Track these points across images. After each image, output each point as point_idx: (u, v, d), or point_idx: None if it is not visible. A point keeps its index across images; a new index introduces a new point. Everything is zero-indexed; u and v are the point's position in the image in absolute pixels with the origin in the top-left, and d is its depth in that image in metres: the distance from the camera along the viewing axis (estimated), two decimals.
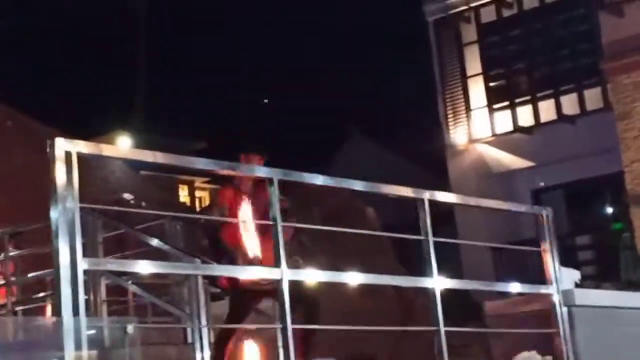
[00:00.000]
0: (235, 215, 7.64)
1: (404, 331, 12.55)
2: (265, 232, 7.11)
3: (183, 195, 35.77)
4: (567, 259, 8.45)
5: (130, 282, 9.33)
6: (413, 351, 8.45)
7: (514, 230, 20.22)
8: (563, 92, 22.98)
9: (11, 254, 10.86)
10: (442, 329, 6.68)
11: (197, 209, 32.47)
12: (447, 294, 6.90)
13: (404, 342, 13.45)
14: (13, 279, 10.80)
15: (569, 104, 22.82)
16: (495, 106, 23.85)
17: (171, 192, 30.41)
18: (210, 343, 7.78)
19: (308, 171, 6.74)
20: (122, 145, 30.41)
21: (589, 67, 22.04)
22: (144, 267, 5.80)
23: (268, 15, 38.99)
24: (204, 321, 8.18)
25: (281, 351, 5.95)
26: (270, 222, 6.03)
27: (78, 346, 4.80)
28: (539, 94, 23.34)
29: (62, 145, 5.02)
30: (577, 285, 8.24)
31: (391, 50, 33.38)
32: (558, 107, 22.95)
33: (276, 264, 5.94)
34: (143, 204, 15.87)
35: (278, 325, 5.81)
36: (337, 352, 9.08)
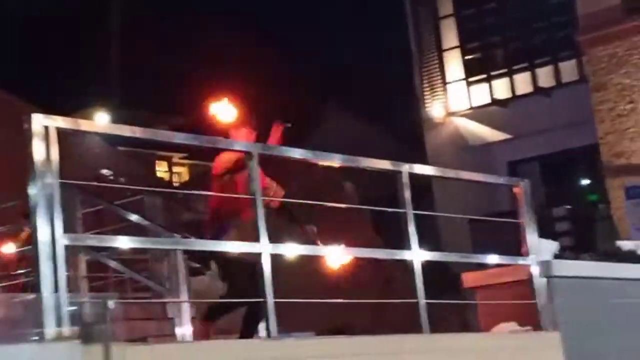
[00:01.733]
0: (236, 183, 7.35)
1: (382, 302, 12.60)
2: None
3: (161, 170, 35.67)
4: (544, 231, 8.50)
5: (110, 258, 9.31)
6: (392, 322, 8.50)
7: (492, 203, 20.32)
8: (539, 64, 23.04)
9: None
10: (422, 300, 6.72)
11: (175, 184, 32.42)
12: (425, 266, 6.94)
13: (383, 313, 13.51)
14: None
15: (545, 76, 22.88)
16: (472, 79, 23.89)
17: (149, 168, 30.32)
18: (191, 318, 7.78)
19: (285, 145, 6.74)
20: (100, 121, 30.24)
21: (565, 39, 22.09)
22: (124, 243, 5.80)
23: None
24: (184, 296, 8.18)
25: (262, 325, 5.97)
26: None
27: (59, 322, 4.81)
28: (515, 67, 23.40)
29: (39, 121, 4.99)
30: (555, 257, 8.29)
31: (368, 23, 33.34)
32: (534, 79, 23.01)
33: (256, 238, 5.95)
34: (122, 179, 15.81)
35: (260, 299, 5.82)
36: (314, 325, 9.12)
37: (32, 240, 4.94)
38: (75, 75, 33.93)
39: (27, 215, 10.94)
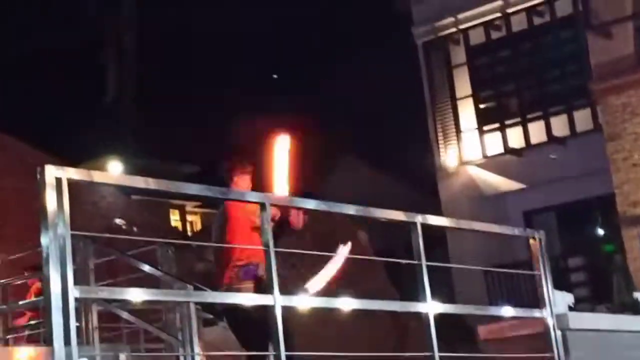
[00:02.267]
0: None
1: (397, 357, 12.49)
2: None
3: (174, 219, 35.69)
4: (560, 281, 8.42)
5: (122, 308, 9.27)
6: None
7: (507, 252, 20.19)
8: (553, 113, 23.02)
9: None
10: (437, 354, 6.64)
11: (189, 233, 32.43)
12: (440, 317, 6.86)
13: None
14: (4, 306, 10.70)
15: (559, 125, 22.85)
16: (486, 128, 23.87)
17: (163, 217, 30.33)
18: None
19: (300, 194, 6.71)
20: (113, 170, 30.38)
21: (578, 88, 22.06)
22: (136, 295, 5.75)
23: (256, 40, 39.07)
24: (196, 348, 8.12)
25: None
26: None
27: None
28: (529, 116, 23.38)
29: (52, 172, 4.98)
30: (570, 309, 8.20)
31: (381, 72, 33.46)
32: (548, 128, 22.98)
33: (268, 290, 5.90)
34: (135, 229, 15.82)
35: (271, 353, 5.76)
36: None
37: (42, 292, 4.91)
38: (89, 124, 34.12)
39: (32, 267, 10.96)
